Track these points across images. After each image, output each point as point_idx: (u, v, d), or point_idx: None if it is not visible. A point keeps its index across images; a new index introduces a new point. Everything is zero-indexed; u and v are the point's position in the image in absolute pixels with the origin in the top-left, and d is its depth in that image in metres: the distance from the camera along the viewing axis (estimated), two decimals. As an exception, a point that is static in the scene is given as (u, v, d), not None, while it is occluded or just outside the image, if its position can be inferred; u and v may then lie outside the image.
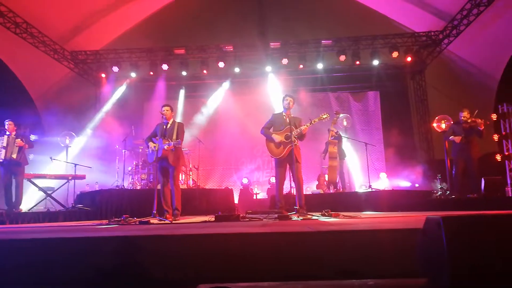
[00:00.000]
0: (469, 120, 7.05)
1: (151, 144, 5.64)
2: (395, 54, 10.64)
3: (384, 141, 11.63)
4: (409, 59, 10.93)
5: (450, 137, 7.22)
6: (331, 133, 8.44)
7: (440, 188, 8.24)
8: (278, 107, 11.09)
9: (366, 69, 11.62)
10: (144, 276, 2.06)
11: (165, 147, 5.43)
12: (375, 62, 11.11)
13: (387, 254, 2.06)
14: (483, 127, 6.87)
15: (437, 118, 8.54)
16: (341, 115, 9.63)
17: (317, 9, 10.99)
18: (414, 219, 3.72)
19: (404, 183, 10.15)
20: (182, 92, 12.44)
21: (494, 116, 9.35)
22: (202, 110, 12.24)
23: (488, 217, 1.47)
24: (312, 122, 5.44)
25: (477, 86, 10.77)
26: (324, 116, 5.50)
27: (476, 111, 7.13)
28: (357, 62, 10.96)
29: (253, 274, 2.01)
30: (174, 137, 5.54)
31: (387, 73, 11.80)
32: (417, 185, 9.88)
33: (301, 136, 5.47)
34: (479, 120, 6.89)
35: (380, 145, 11.55)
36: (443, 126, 7.92)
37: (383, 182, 10.19)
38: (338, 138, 8.61)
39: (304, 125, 5.44)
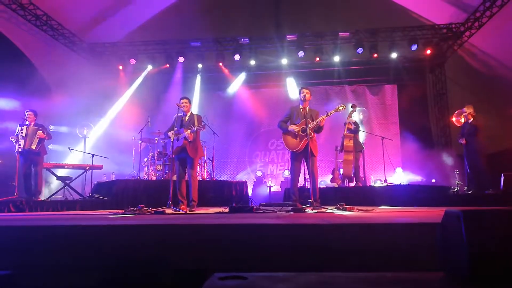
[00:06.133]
0: (469, 119, 7.32)
1: (171, 134, 5.69)
2: (414, 47, 10.42)
3: (401, 135, 11.47)
4: (428, 52, 10.69)
5: (459, 140, 7.44)
6: (346, 127, 8.37)
7: (457, 183, 8.09)
8: (294, 100, 11.09)
9: (383, 62, 11.45)
10: (159, 264, 2.08)
11: (187, 133, 5.49)
12: (393, 55, 10.93)
13: (404, 248, 2.03)
14: (474, 123, 7.18)
15: (456, 112, 8.34)
16: (357, 108, 9.51)
17: (334, 1, 10.82)
18: (431, 213, 3.66)
19: (420, 178, 10.00)
20: (198, 84, 12.50)
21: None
22: (218, 102, 12.29)
23: (509, 212, 1.43)
24: (329, 114, 5.37)
25: (499, 80, 10.45)
26: (341, 108, 5.43)
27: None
28: (375, 55, 10.78)
29: (268, 264, 2.01)
30: (196, 124, 5.60)
31: (405, 66, 11.60)
32: (433, 180, 9.72)
33: (318, 129, 5.41)
34: (470, 114, 7.15)
35: (397, 139, 11.39)
36: (462, 120, 7.74)
37: (398, 177, 10.06)
38: (355, 131, 8.51)
39: (321, 117, 5.38)
